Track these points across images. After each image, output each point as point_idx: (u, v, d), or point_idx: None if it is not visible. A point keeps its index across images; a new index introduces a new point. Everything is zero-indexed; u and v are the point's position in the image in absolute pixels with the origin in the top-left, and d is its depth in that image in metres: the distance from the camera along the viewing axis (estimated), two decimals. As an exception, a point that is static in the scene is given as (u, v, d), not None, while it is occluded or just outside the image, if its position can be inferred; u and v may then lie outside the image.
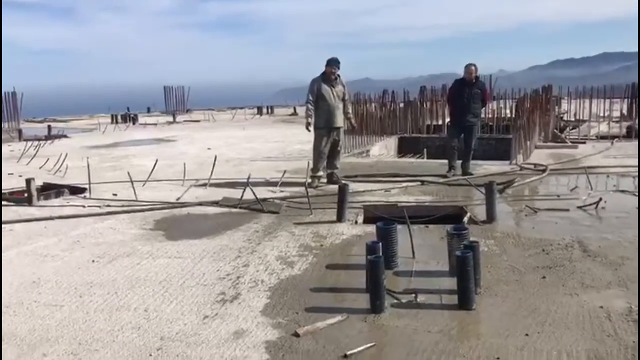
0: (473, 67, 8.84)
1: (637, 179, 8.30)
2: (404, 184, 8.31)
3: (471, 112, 8.94)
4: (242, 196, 7.26)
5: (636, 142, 12.64)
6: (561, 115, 17.31)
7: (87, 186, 8.32)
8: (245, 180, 7.63)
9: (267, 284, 4.50)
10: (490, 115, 14.86)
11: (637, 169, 8.71)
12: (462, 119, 8.98)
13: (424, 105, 15.67)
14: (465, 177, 8.63)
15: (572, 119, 16.80)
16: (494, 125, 14.68)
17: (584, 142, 13.04)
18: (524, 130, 11.15)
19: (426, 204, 7.18)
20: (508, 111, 14.99)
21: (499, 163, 10.26)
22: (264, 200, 7.26)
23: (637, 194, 7.33)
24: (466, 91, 8.86)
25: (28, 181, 7.67)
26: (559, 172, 9.17)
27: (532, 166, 9.59)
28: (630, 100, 16.77)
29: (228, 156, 11.86)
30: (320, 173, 8.59)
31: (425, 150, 13.80)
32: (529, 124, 11.63)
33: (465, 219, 6.32)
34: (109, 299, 4.29)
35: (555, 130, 14.55)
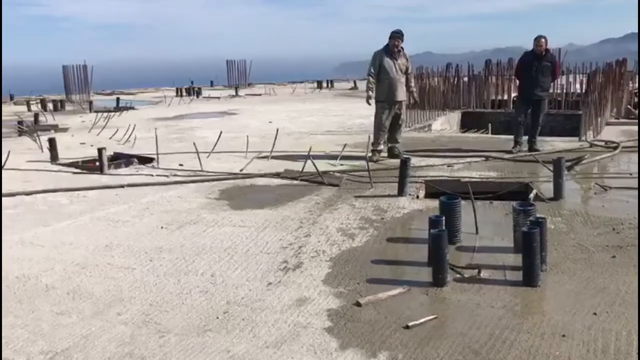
0: (543, 40, 8.51)
1: None
2: (468, 159, 8.17)
3: (540, 86, 8.63)
4: (303, 168, 7.33)
5: None
6: (635, 91, 16.46)
7: (155, 156, 8.61)
8: (306, 153, 7.70)
9: (329, 255, 4.56)
10: (558, 91, 14.31)
11: None
12: (531, 93, 8.68)
13: (489, 80, 15.24)
14: (532, 153, 8.38)
15: (648, 94, 15.96)
16: (563, 101, 14.14)
17: (661, 119, 12.38)
18: (594, 106, 10.69)
19: (490, 180, 7.03)
20: (578, 86, 14.39)
21: (567, 139, 9.90)
22: (325, 173, 7.31)
23: None
24: (535, 64, 8.55)
25: (100, 150, 8.02)
26: (632, 149, 8.75)
27: (602, 143, 9.20)
28: None
29: (289, 129, 11.96)
30: (381, 147, 8.55)
31: (489, 125, 13.47)
32: (601, 99, 11.13)
33: (531, 196, 6.16)
34: (177, 263, 4.46)
35: (629, 107, 13.88)
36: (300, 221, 5.47)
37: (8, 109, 18.84)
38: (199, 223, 5.50)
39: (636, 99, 15.53)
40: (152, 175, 7.70)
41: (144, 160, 8.71)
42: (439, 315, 3.46)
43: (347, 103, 17.99)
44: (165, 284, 4.09)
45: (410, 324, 3.33)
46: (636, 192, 6.20)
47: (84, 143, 10.75)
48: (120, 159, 8.70)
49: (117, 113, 16.00)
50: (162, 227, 5.40)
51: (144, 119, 14.83)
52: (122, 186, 7.06)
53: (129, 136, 10.77)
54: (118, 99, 19.39)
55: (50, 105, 18.37)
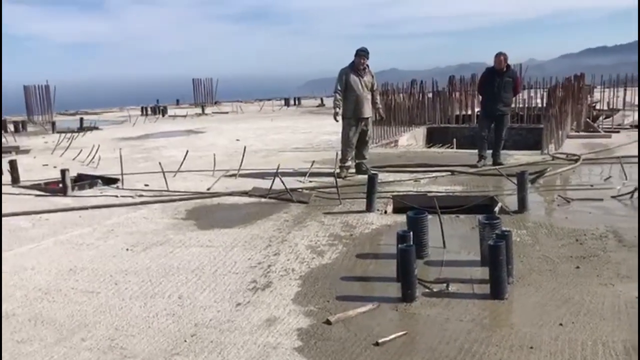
0: (502, 57, 8.71)
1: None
2: (434, 174, 8.26)
3: (502, 102, 8.82)
4: (271, 186, 7.30)
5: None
6: (594, 105, 16.96)
7: (119, 177, 8.47)
8: (274, 171, 7.68)
9: (298, 273, 4.53)
10: (520, 105, 14.64)
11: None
12: (493, 108, 8.86)
13: (453, 95, 15.51)
14: (496, 167, 8.53)
15: (605, 108, 16.45)
16: (525, 115, 14.46)
17: (618, 132, 12.76)
18: (555, 120, 10.96)
19: (456, 194, 7.12)
20: (539, 101, 14.74)
21: (529, 153, 10.12)
22: (293, 190, 7.29)
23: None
24: (497, 80, 8.74)
25: (63, 172, 7.85)
26: (592, 161, 9.00)
27: (564, 156, 9.43)
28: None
29: (256, 147, 11.94)
30: (349, 163, 8.59)
31: (454, 140, 13.67)
32: (561, 113, 11.42)
33: (497, 209, 6.26)
34: (143, 286, 4.38)
35: (587, 120, 14.27)
36: (269, 239, 5.43)
37: (-33, 130, 18.35)
38: (165, 244, 5.42)
39: (594, 113, 15.99)
40: (116, 196, 7.57)
41: (109, 181, 8.56)
42: (409, 331, 3.47)
43: (315, 120, 18.07)
44: (131, 307, 4.00)
45: (380, 340, 3.33)
46: (597, 203, 6.36)
47: (46, 165, 10.52)
48: (84, 180, 8.53)
49: (81, 133, 15.74)
50: (127, 249, 5.30)
51: (109, 139, 14.61)
52: (86, 208, 6.92)
53: (93, 157, 10.59)
54: (82, 119, 19.07)
55: (11, 127, 17.96)
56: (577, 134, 12.69)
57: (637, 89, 16.09)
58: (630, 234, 5.16)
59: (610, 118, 14.78)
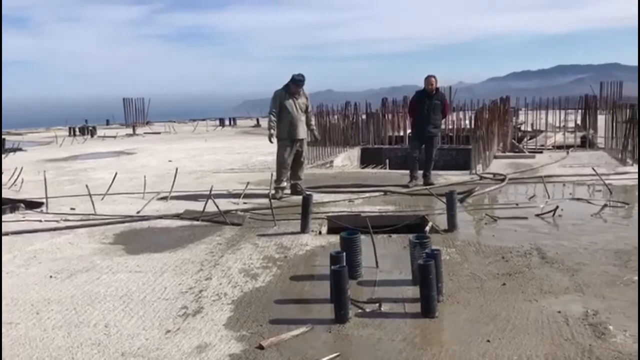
0: (433, 79, 8.99)
1: (592, 188, 8.57)
2: (367, 194, 8.38)
3: (432, 123, 9.07)
4: (204, 208, 7.18)
5: (590, 152, 13.07)
6: (519, 126, 17.75)
7: (44, 200, 8.10)
8: (208, 193, 7.56)
9: (231, 297, 4.45)
10: (450, 126, 15.13)
11: (590, 177, 8.98)
12: (423, 130, 9.10)
13: (386, 117, 15.86)
14: (427, 187, 8.74)
15: (530, 129, 17.25)
16: (454, 136, 14.95)
17: (541, 152, 13.38)
18: (483, 141, 11.39)
19: (389, 213, 7.24)
20: (467, 122, 15.28)
21: (459, 173, 10.44)
22: (227, 212, 7.20)
23: (591, 201, 7.56)
24: (427, 102, 8.99)
25: (-19, 196, 7.43)
26: (518, 181, 9.38)
27: (491, 176, 9.79)
28: (584, 112, 17.32)
29: (190, 168, 11.74)
30: (284, 184, 8.58)
31: (387, 160, 13.94)
32: (488, 134, 11.88)
33: (427, 228, 6.40)
34: (67, 315, 4.17)
35: (513, 141, 14.91)
36: (201, 263, 5.32)
37: None
38: (91, 270, 5.20)
39: (519, 134, 16.73)
40: (40, 221, 7.23)
41: (32, 205, 8.17)
42: (342, 353, 3.46)
43: (250, 140, 18.00)
44: (54, 338, 3.80)
45: (313, 363, 3.30)
46: (521, 221, 6.62)
47: (-37, 188, 9.93)
48: (5, 205, 8.10)
49: (3, 155, 14.99)
50: (50, 277, 5.05)
51: (33, 160, 14.00)
52: (6, 234, 6.56)
53: (16, 179, 10.09)
54: (3, 140, 18.18)
55: None
56: (503, 154, 13.22)
57: (558, 111, 16.98)
58: (553, 250, 5.39)
59: (534, 139, 15.49)
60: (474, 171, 10.33)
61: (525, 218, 6.74)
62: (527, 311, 4.00)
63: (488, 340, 3.57)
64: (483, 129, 11.63)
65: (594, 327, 3.69)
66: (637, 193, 7.98)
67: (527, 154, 13.17)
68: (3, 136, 20.33)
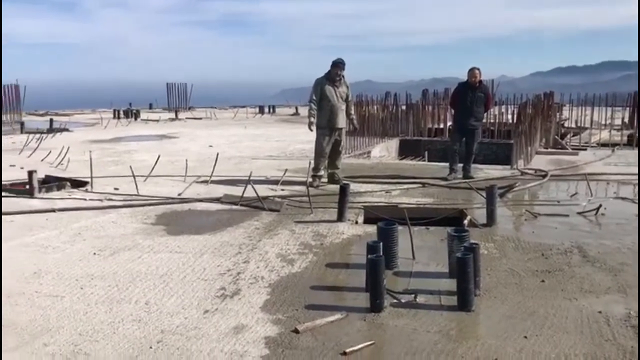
0: (477, 71, 8.86)
1: (637, 187, 8.33)
2: (405, 186, 8.34)
3: (474, 116, 8.96)
4: (243, 193, 7.28)
5: (637, 150, 12.69)
6: (562, 122, 17.34)
7: (89, 180, 8.34)
8: (247, 178, 7.66)
9: (267, 281, 4.52)
10: (492, 120, 14.89)
11: (637, 176, 8.73)
12: (465, 123, 9.00)
13: (426, 108, 15.70)
14: (466, 180, 8.65)
15: (574, 126, 16.84)
16: (496, 130, 14.71)
17: (585, 149, 13.07)
18: (525, 136, 11.18)
19: (427, 206, 7.20)
20: (510, 116, 15.02)
21: (499, 168, 10.29)
22: (265, 198, 7.28)
23: (637, 201, 7.36)
24: (469, 95, 8.88)
25: (30, 173, 7.70)
26: (560, 178, 9.19)
27: (532, 171, 9.61)
28: (632, 109, 16.79)
29: (229, 154, 11.89)
30: (322, 173, 8.61)
31: (426, 152, 13.82)
32: (531, 129, 11.66)
33: (466, 222, 6.34)
34: (110, 291, 4.31)
35: (556, 137, 14.59)
36: (239, 247, 5.41)
37: None
38: (133, 249, 5.34)
39: (562, 130, 16.35)
40: (85, 200, 7.45)
41: (77, 183, 8.41)
42: (376, 341, 3.48)
43: (289, 129, 18.09)
44: (97, 312, 3.93)
45: (347, 350, 3.33)
46: (563, 218, 6.49)
47: (13, 165, 10.29)
48: (52, 182, 8.37)
49: (51, 135, 15.45)
50: (94, 254, 5.21)
51: (79, 141, 14.39)
52: (53, 210, 6.79)
53: (62, 159, 10.41)
54: (52, 120, 18.76)
55: (-23, 125, 17.55)
56: (545, 150, 12.95)
57: (604, 108, 16.51)
58: (594, 249, 5.28)
59: (578, 136, 15.12)
60: (515, 166, 10.16)
61: (567, 215, 6.61)
62: (567, 309, 3.94)
63: (525, 337, 3.53)
64: (526, 124, 11.42)
65: (637, 329, 3.61)
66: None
67: (570, 150, 12.88)
68: (51, 116, 20.96)
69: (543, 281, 4.50)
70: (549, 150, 13.10)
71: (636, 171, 8.99)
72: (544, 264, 4.92)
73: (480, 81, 9.00)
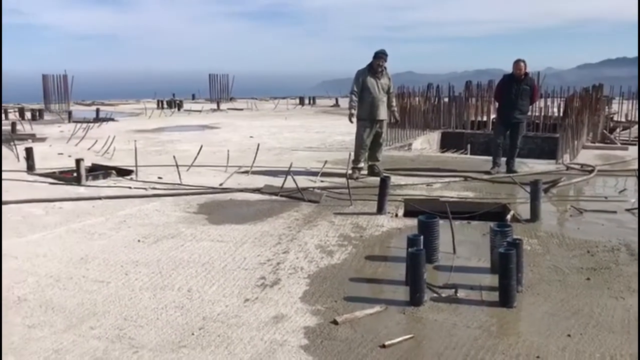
0: (522, 63, 8.67)
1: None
2: (447, 179, 8.24)
3: (518, 109, 8.78)
4: (283, 184, 7.32)
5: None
6: (611, 116, 16.82)
7: (133, 168, 8.53)
8: (287, 169, 7.70)
9: (307, 272, 4.54)
10: (537, 113, 14.55)
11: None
12: (509, 116, 8.82)
13: (469, 101, 15.45)
14: (510, 174, 8.49)
15: (623, 119, 16.31)
16: (541, 124, 14.38)
17: (635, 144, 12.64)
18: (571, 130, 10.88)
19: (468, 200, 7.10)
20: (555, 110, 14.65)
21: (544, 162, 10.06)
22: (305, 189, 7.31)
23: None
24: (514, 87, 8.69)
25: (78, 161, 7.92)
26: (607, 173, 8.93)
27: (579, 166, 9.36)
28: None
29: (270, 145, 11.97)
30: (362, 165, 8.59)
31: (469, 146, 13.62)
32: (577, 123, 11.33)
33: (509, 217, 6.23)
34: (153, 278, 4.41)
35: (604, 131, 14.16)
36: (279, 237, 5.45)
37: (-15, 116, 18.57)
38: (176, 237, 5.45)
39: (611, 124, 15.86)
40: (130, 188, 7.63)
41: (123, 172, 8.63)
42: (416, 335, 3.46)
43: (329, 120, 18.09)
44: (141, 298, 4.03)
45: (386, 343, 3.33)
46: (610, 215, 6.31)
47: (61, 153, 10.62)
48: (98, 171, 8.61)
49: (97, 124, 15.86)
50: (139, 241, 5.34)
51: (124, 130, 14.72)
52: (99, 198, 6.98)
53: (108, 148, 10.67)
54: (98, 110, 19.24)
55: (28, 115, 18.15)
56: (592, 144, 12.60)
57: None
58: (643, 247, 5.12)
59: (628, 130, 14.63)
60: (560, 161, 9.92)
61: (614, 212, 6.42)
62: (613, 308, 3.84)
63: (569, 335, 3.46)
64: (572, 117, 11.10)
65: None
66: None
67: (619, 145, 12.47)
68: (97, 106, 21.50)
69: (588, 279, 4.39)
70: (597, 144, 12.73)
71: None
72: (590, 261, 4.80)
73: (526, 73, 8.80)
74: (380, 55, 8.25)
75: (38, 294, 4.10)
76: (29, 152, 8.85)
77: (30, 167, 8.74)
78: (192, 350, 3.29)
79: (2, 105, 21.91)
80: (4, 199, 6.86)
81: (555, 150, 10.61)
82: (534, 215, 6.08)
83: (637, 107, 13.88)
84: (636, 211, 6.44)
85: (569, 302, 3.96)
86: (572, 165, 9.47)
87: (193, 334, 3.48)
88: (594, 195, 7.46)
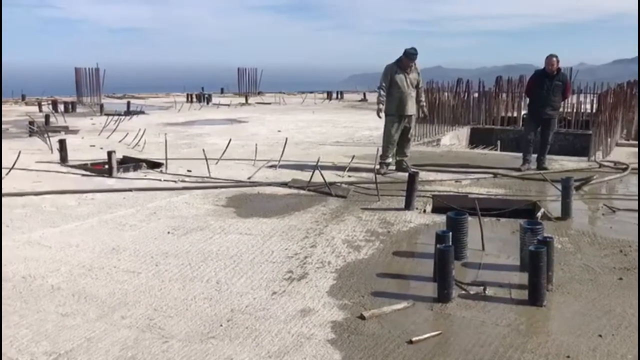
0: (554, 59, 8.51)
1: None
2: (476, 176, 8.16)
3: (550, 105, 8.63)
4: (310, 179, 7.34)
5: None
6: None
7: (163, 161, 8.65)
8: (314, 164, 7.71)
9: (334, 266, 4.56)
10: (569, 110, 14.29)
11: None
12: (541, 112, 8.68)
13: (499, 96, 15.24)
14: (540, 171, 8.37)
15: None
16: (573, 120, 14.11)
17: (671, 142, 12.32)
18: (605, 127, 10.66)
19: (498, 197, 7.02)
20: (588, 106, 14.36)
21: (576, 159, 9.88)
22: (332, 184, 7.31)
23: None
24: (546, 83, 8.55)
25: (109, 154, 8.06)
26: (642, 171, 8.71)
27: (612, 164, 9.17)
28: None
29: (297, 139, 11.99)
30: (390, 160, 8.55)
31: (498, 142, 13.45)
32: (611, 120, 11.10)
33: (539, 215, 6.14)
34: (183, 269, 4.47)
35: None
36: (307, 231, 5.47)
37: (20, 108, 19.03)
38: (205, 229, 5.52)
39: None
40: (160, 180, 7.74)
41: (153, 164, 8.75)
42: (443, 331, 3.45)
43: (356, 115, 18.03)
44: (170, 289, 4.10)
45: (414, 339, 3.32)
46: (644, 214, 6.17)
47: (93, 145, 10.82)
48: (129, 163, 8.75)
49: (128, 117, 16.10)
50: (168, 232, 5.42)
51: (154, 123, 14.91)
52: (130, 190, 7.10)
53: (139, 140, 10.83)
54: (129, 103, 19.51)
55: (61, 107, 18.50)
56: (627, 142, 12.31)
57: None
58: (678, 248, 4.99)
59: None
60: (592, 158, 9.73)
61: (649, 211, 6.27)
62: (646, 309, 3.76)
63: (600, 335, 3.41)
64: (606, 114, 10.88)
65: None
66: None
67: (655, 143, 12.17)
68: (128, 99, 21.81)
69: (621, 279, 4.31)
70: (631, 142, 12.43)
71: None
72: (622, 260, 4.71)
73: (559, 69, 8.64)
74: (411, 56, 8.18)
75: (71, 282, 4.20)
76: (62, 144, 9.03)
77: (63, 159, 8.92)
78: (221, 342, 3.33)
79: (37, 97, 22.40)
80: (37, 189, 7.03)
81: (587, 148, 10.41)
82: (565, 213, 5.99)
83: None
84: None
85: (601, 301, 3.90)
86: (605, 163, 9.27)
87: (221, 326, 3.53)
88: (627, 193, 7.30)
